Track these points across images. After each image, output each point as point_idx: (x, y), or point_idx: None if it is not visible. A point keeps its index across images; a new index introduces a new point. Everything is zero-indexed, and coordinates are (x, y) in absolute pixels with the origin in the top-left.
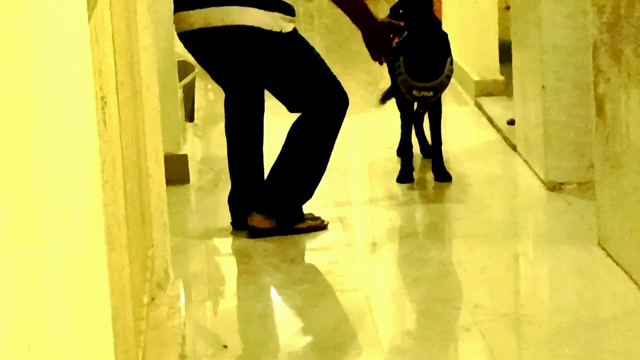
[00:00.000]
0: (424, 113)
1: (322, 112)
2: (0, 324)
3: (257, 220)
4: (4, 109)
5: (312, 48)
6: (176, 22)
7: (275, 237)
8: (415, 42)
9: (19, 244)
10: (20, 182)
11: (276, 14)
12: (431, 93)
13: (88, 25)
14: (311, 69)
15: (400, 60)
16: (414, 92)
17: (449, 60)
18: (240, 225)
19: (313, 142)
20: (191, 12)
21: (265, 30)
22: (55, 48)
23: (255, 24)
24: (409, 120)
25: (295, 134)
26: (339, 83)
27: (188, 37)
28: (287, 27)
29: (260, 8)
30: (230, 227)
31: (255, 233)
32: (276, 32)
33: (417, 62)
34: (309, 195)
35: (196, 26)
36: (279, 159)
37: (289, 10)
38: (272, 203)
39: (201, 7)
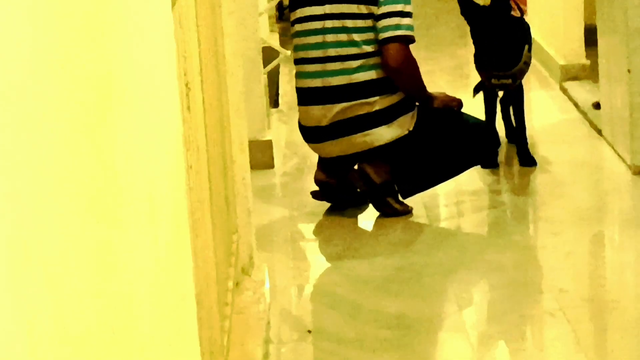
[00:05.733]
0: (508, 99)
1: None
2: (85, 309)
3: (371, 170)
4: (90, 96)
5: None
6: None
7: (360, 221)
8: (488, 32)
9: (103, 230)
10: (105, 168)
11: (397, 121)
12: (510, 80)
13: (172, 11)
14: (450, 133)
15: (477, 49)
16: (493, 80)
17: (526, 47)
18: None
19: (465, 154)
20: (322, 144)
21: (398, 140)
22: (140, 34)
23: (386, 142)
24: (493, 107)
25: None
26: (481, 124)
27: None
28: (413, 121)
29: (381, 125)
30: (315, 212)
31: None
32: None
33: (493, 51)
34: (425, 185)
35: (334, 154)
36: (437, 139)
37: (408, 101)
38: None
39: (330, 139)
